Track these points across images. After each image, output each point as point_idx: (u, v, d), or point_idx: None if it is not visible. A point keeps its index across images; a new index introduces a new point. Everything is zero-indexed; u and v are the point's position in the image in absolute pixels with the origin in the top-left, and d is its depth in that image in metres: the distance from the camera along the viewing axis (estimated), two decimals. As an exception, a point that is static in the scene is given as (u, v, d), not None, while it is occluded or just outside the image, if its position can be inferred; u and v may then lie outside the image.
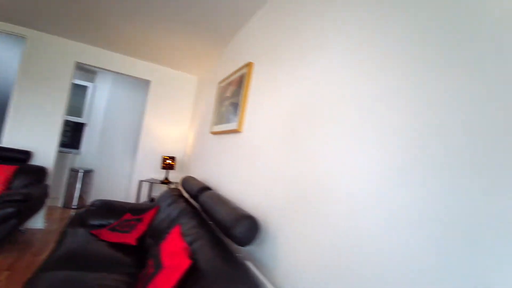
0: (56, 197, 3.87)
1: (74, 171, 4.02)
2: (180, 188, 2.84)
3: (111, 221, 2.12)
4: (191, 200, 2.23)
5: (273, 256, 1.16)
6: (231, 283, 0.96)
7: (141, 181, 3.45)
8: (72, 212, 3.53)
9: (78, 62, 3.22)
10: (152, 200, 3.35)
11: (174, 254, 1.06)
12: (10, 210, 2.10)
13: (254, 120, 1.63)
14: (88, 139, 4.30)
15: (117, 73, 3.47)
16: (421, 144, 0.65)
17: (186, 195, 2.45)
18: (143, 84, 4.11)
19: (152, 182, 3.43)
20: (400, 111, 0.73)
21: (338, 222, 0.86)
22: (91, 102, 4.34)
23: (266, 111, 1.50)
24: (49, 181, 2.99)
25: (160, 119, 3.64)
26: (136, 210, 2.29)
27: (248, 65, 1.82)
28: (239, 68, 2.00)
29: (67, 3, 2.29)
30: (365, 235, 0.75)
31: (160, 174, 3.63)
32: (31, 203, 2.38)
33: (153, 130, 3.61)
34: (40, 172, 2.80)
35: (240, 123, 1.77)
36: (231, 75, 2.16)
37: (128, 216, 2.14)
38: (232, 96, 2.04)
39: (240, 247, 1.29)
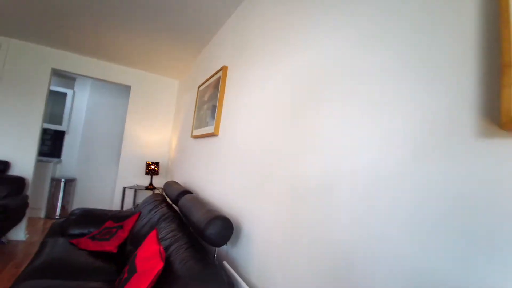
0: (38, 208, 3.78)
1: (55, 181, 3.94)
2: (164, 193, 2.84)
3: (92, 229, 2.10)
4: (174, 205, 2.24)
5: (247, 255, 1.20)
6: (203, 283, 1.00)
7: (125, 188, 3.42)
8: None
9: (55, 69, 3.17)
10: (136, 206, 3.32)
11: (148, 258, 1.09)
12: (-15, 223, 2.05)
13: (230, 124, 1.66)
14: (68, 147, 4.21)
15: (96, 79, 3.43)
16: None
17: (169, 200, 2.46)
18: (124, 90, 4.07)
19: (136, 189, 3.41)
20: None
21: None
22: (71, 109, 4.26)
23: (241, 115, 1.54)
24: (29, 191, 2.92)
25: (142, 124, 3.62)
26: (117, 217, 2.28)
27: (223, 68, 1.86)
28: (215, 72, 2.03)
29: (41, 9, 2.25)
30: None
31: (145, 180, 3.61)
32: (9, 215, 2.33)
33: (135, 135, 3.59)
34: (19, 182, 2.74)
35: (216, 127, 1.81)
36: (208, 79, 2.19)
37: (109, 223, 2.13)
38: (210, 99, 2.07)
39: (216, 247, 1.32)
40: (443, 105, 0.55)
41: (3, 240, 2.73)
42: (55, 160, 3.98)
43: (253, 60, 1.51)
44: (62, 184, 3.92)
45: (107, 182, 4.15)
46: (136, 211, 2.37)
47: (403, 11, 0.67)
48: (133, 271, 1.06)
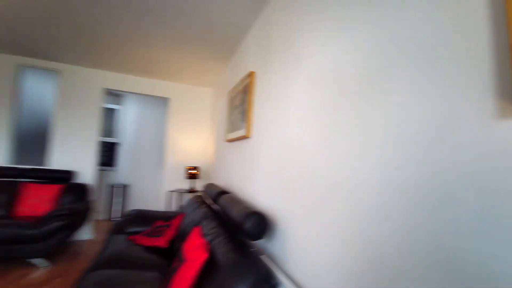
0: (100, 211, 4.31)
1: (112, 187, 4.45)
2: (203, 195, 3.04)
3: (145, 228, 2.37)
4: (214, 205, 2.41)
5: (283, 251, 1.27)
6: (243, 272, 1.10)
7: (169, 192, 3.74)
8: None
9: (105, 88, 3.61)
10: (181, 207, 3.61)
11: (195, 250, 1.23)
12: (59, 223, 2.44)
13: (262, 126, 1.76)
14: (122, 157, 4.72)
15: (140, 94, 3.82)
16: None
17: (209, 201, 2.64)
18: (164, 102, 4.44)
19: (180, 192, 3.70)
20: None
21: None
22: (121, 123, 4.77)
23: (272, 117, 1.61)
24: (93, 196, 3.37)
25: (182, 132, 3.92)
26: (165, 217, 2.52)
27: (250, 74, 1.97)
28: (243, 77, 2.15)
29: (91, 38, 2.62)
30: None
31: (186, 184, 3.89)
32: (77, 217, 2.73)
33: (176, 143, 3.90)
34: (83, 189, 3.18)
35: (248, 129, 1.92)
36: (237, 84, 2.32)
37: (159, 222, 2.38)
38: (240, 104, 2.19)
39: (253, 241, 1.42)
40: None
41: (71, 240, 3.19)
42: (111, 168, 4.49)
43: (278, 63, 1.58)
44: (118, 189, 4.41)
45: (154, 186, 4.56)
46: (180, 211, 2.59)
47: None
48: (182, 260, 1.20)
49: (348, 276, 0.83)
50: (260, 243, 1.54)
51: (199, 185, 3.90)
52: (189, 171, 3.67)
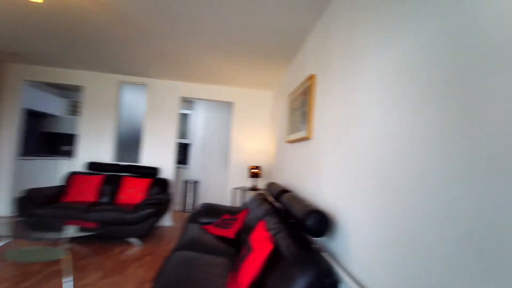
0: (177, 203, 4.97)
1: (186, 182, 5.07)
2: (265, 193, 3.21)
3: (214, 219, 2.66)
4: (276, 203, 2.54)
5: (344, 250, 1.30)
6: (305, 265, 1.18)
7: (234, 189, 4.05)
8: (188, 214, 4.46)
9: (181, 96, 4.16)
10: (245, 203, 3.88)
11: (261, 241, 1.36)
12: (151, 210, 2.95)
13: (323, 127, 1.79)
14: (193, 156, 5.32)
15: (208, 100, 4.26)
16: None
17: (270, 198, 2.79)
18: (229, 106, 4.82)
19: (243, 189, 3.97)
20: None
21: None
22: (192, 126, 5.38)
23: (337, 116, 1.59)
24: (172, 189, 3.93)
25: (245, 134, 4.21)
26: (232, 211, 2.78)
27: (311, 77, 2.02)
28: (304, 80, 2.21)
29: (169, 58, 3.08)
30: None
31: (249, 182, 4.15)
32: (162, 206, 3.24)
33: (239, 144, 4.20)
34: (166, 183, 3.74)
35: (309, 131, 1.97)
36: (298, 87, 2.40)
37: (226, 216, 2.64)
38: (300, 106, 2.26)
39: (316, 238, 1.48)
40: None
41: (156, 225, 3.77)
42: (184, 166, 5.12)
43: (339, 64, 1.60)
44: (191, 185, 5.00)
45: (220, 183, 4.99)
46: (245, 207, 2.81)
47: None
48: (250, 249, 1.36)
49: (404, 275, 0.83)
50: (321, 241, 1.59)
51: (261, 183, 4.10)
52: (252, 170, 3.91)
